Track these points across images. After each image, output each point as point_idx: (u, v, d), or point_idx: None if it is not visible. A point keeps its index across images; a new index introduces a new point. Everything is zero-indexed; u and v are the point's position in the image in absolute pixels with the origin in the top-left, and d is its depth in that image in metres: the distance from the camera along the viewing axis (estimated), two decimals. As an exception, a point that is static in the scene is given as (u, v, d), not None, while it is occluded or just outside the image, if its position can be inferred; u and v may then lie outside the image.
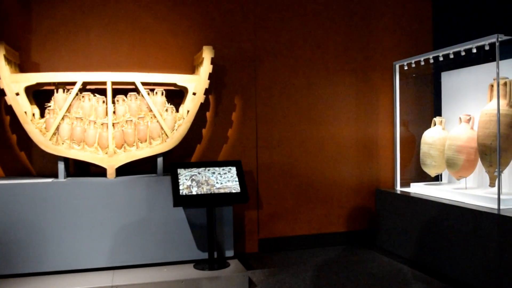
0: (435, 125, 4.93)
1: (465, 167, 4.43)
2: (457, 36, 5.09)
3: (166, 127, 4.31)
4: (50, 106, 4.16)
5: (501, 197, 3.83)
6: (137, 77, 4.26)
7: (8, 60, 4.05)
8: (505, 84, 3.98)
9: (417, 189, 4.97)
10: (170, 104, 4.39)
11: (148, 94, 4.31)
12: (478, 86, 4.64)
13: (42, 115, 4.24)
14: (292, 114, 5.26)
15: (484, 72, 4.53)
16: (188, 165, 4.33)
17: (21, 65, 4.47)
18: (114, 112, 4.26)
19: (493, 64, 3.94)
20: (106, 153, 4.20)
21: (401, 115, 5.42)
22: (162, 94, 4.36)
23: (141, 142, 4.30)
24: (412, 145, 5.58)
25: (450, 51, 4.55)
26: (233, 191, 4.21)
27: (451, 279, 4.09)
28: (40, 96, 4.36)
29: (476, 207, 3.91)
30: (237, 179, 4.30)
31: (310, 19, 5.33)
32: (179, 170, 4.24)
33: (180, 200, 4.06)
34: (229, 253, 4.44)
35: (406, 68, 5.22)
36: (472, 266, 3.85)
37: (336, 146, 5.41)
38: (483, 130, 4.05)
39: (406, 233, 4.71)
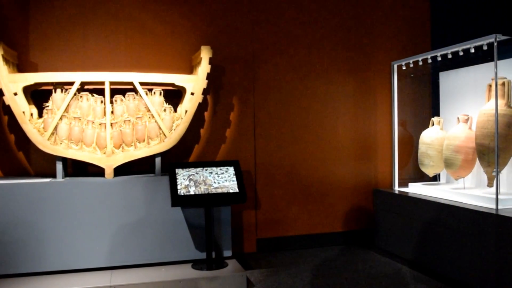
0: (433, 125, 4.93)
1: (463, 167, 4.43)
2: (455, 36, 5.10)
3: (164, 127, 4.31)
4: (48, 106, 4.16)
5: (499, 197, 3.83)
6: (135, 77, 4.26)
7: (6, 60, 4.05)
8: (503, 84, 3.99)
9: (415, 189, 4.97)
10: (168, 104, 4.39)
11: (146, 94, 4.31)
12: (476, 86, 4.65)
13: (40, 115, 4.23)
14: (290, 114, 5.26)
15: (482, 72, 4.54)
16: (186, 165, 4.33)
17: (19, 65, 4.47)
18: (112, 112, 4.26)
19: (491, 64, 3.94)
20: (104, 153, 4.20)
21: (399, 115, 5.41)
22: (160, 94, 4.36)
23: (139, 142, 4.30)
24: (410, 145, 5.58)
25: (448, 51, 4.55)
26: (231, 190, 4.21)
27: (449, 279, 4.09)
28: (38, 96, 4.36)
29: (474, 207, 3.91)
30: (234, 179, 4.30)
31: (308, 19, 5.33)
32: (177, 170, 4.24)
33: (178, 200, 4.06)
34: (227, 253, 4.44)
35: (404, 68, 5.22)
36: (470, 266, 3.85)
37: (334, 146, 5.42)
38: (481, 130, 4.05)
39: (404, 233, 4.72)
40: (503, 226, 3.54)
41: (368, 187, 5.52)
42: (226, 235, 4.44)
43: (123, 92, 4.33)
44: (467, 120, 4.49)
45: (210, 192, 4.15)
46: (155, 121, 4.30)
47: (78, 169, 4.67)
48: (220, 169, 4.35)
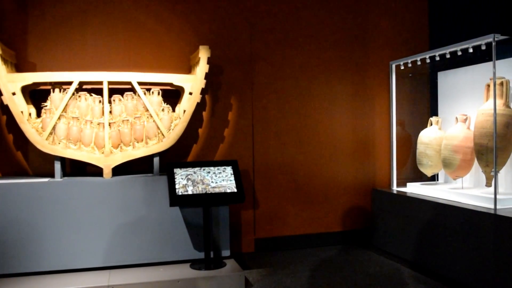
0: (431, 125, 4.93)
1: (462, 167, 4.43)
2: (454, 35, 5.10)
3: (163, 126, 4.31)
4: (46, 106, 4.15)
5: (498, 197, 3.83)
6: (133, 77, 4.26)
7: (4, 59, 4.05)
8: (501, 83, 3.99)
9: (414, 188, 4.97)
10: (167, 104, 4.39)
11: (145, 93, 4.30)
12: (474, 86, 4.65)
13: (38, 114, 4.23)
14: (289, 114, 5.26)
15: (480, 72, 4.54)
16: (185, 165, 4.33)
17: (18, 64, 4.47)
18: (110, 112, 4.25)
19: (490, 64, 3.94)
20: (103, 152, 4.20)
21: (397, 115, 5.42)
22: (159, 93, 4.36)
23: (138, 142, 4.30)
24: (408, 145, 5.59)
25: (447, 50, 4.55)
26: (228, 190, 4.21)
27: (447, 279, 4.10)
28: (36, 95, 4.36)
29: (473, 207, 3.91)
30: (232, 178, 4.30)
31: (306, 19, 5.33)
32: (175, 170, 4.24)
33: (177, 200, 4.05)
34: (226, 252, 4.44)
35: (402, 67, 5.22)
36: (469, 265, 3.85)
37: (332, 145, 5.42)
38: (480, 130, 4.06)
39: (403, 233, 4.72)
40: (501, 226, 3.54)
41: (366, 186, 5.52)
42: (225, 235, 4.44)
43: (121, 92, 4.33)
44: (465, 120, 4.49)
45: (207, 192, 4.15)
46: (154, 121, 4.30)
47: (76, 169, 4.66)
48: (218, 169, 4.35)
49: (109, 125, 4.22)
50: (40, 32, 4.58)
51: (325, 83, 5.39)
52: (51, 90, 4.19)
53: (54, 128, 4.12)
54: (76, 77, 4.15)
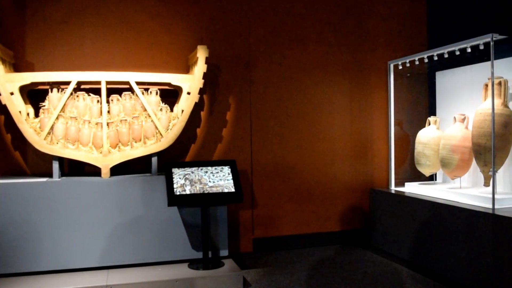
0: (429, 124, 4.93)
1: (460, 167, 4.43)
2: (452, 35, 5.10)
3: (161, 126, 4.31)
4: (44, 106, 4.15)
5: (496, 196, 3.83)
6: (131, 77, 4.26)
7: (2, 59, 4.04)
8: (499, 83, 3.99)
9: (412, 188, 4.97)
10: (165, 104, 4.39)
11: (143, 93, 4.30)
12: (472, 86, 4.65)
13: (36, 114, 4.23)
14: (287, 114, 5.27)
15: (478, 72, 4.54)
16: (183, 165, 4.33)
17: (16, 64, 4.46)
18: (108, 112, 4.25)
19: (488, 63, 3.94)
20: (101, 152, 4.20)
21: (395, 114, 5.42)
22: (157, 93, 4.36)
23: (136, 142, 4.30)
24: (406, 144, 5.59)
25: (445, 50, 4.54)
26: (225, 190, 4.21)
27: (446, 279, 4.10)
28: (34, 95, 4.36)
29: (471, 207, 3.91)
30: (229, 178, 4.31)
31: (304, 19, 5.33)
32: (173, 170, 4.24)
33: (175, 200, 4.05)
34: (224, 252, 4.44)
35: (400, 67, 5.22)
36: (467, 265, 3.85)
37: (330, 145, 5.42)
38: (478, 129, 4.06)
39: (401, 233, 4.72)
40: (499, 226, 3.54)
41: (364, 186, 5.52)
42: (223, 235, 4.44)
43: (119, 91, 4.33)
44: (463, 119, 4.49)
45: (205, 192, 4.15)
46: (152, 121, 4.30)
47: (74, 168, 4.66)
48: (216, 169, 4.35)
49: (107, 125, 4.22)
50: (38, 32, 4.58)
51: (323, 83, 5.39)
52: (49, 90, 4.18)
53: (52, 128, 4.12)
54: (74, 77, 4.14)
